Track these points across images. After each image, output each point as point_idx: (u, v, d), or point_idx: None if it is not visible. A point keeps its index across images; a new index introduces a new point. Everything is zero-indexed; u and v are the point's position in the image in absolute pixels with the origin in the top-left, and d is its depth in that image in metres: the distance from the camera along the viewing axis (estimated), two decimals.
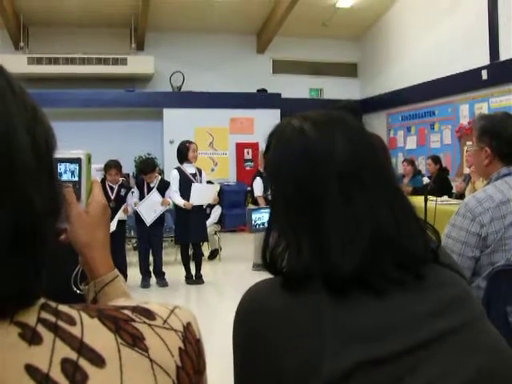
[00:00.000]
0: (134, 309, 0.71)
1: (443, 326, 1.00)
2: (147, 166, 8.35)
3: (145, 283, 7.99)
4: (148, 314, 0.71)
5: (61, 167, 1.05)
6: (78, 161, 1.07)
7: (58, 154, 1.02)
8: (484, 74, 10.76)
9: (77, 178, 1.06)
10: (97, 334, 0.65)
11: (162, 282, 8.06)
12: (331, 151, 1.06)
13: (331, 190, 1.04)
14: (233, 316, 1.08)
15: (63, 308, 0.66)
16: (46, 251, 0.64)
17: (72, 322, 0.65)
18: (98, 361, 0.63)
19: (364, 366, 0.94)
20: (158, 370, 0.67)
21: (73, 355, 0.62)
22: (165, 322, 0.72)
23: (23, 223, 0.60)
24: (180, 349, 0.71)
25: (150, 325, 0.70)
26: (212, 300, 7.71)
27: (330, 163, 1.05)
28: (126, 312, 0.70)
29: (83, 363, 0.62)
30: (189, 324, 0.74)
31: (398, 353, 0.96)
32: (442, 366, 0.97)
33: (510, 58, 10.23)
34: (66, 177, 1.06)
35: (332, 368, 0.93)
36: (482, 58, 10.75)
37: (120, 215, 7.69)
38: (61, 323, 0.64)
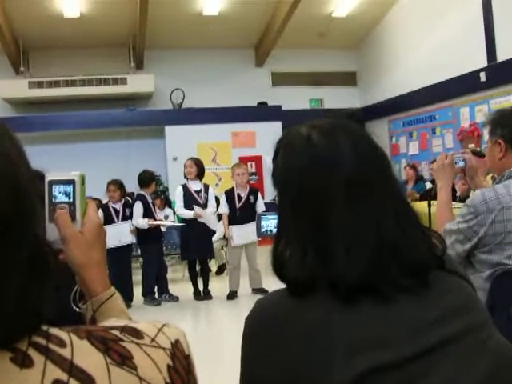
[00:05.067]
0: (123, 329, 0.73)
1: (450, 331, 1.01)
2: (143, 178, 8.23)
3: (153, 301, 7.96)
4: (136, 334, 0.73)
5: (55, 189, 1.08)
6: (72, 182, 1.09)
7: (53, 177, 1.06)
8: (482, 76, 10.76)
9: (71, 199, 1.08)
10: (86, 355, 0.67)
11: (170, 298, 8.08)
12: (338, 159, 1.07)
13: (337, 197, 1.05)
14: (242, 331, 1.09)
15: (54, 331, 0.68)
16: (49, 274, 0.67)
17: (62, 344, 0.66)
18: (88, 381, 0.64)
19: (374, 373, 0.94)
20: None
21: (64, 376, 0.63)
22: (153, 340, 0.73)
23: (33, 256, 0.63)
24: (168, 366, 0.72)
25: (138, 344, 0.72)
26: (221, 315, 7.66)
27: (336, 171, 1.07)
28: (115, 332, 0.72)
29: None
30: (177, 341, 0.76)
31: (408, 358, 0.96)
32: (451, 371, 0.98)
33: (507, 58, 10.24)
34: (60, 198, 1.08)
35: (342, 375, 0.94)
36: (480, 60, 10.77)
37: (129, 239, 7.76)
38: (51, 346, 0.65)
